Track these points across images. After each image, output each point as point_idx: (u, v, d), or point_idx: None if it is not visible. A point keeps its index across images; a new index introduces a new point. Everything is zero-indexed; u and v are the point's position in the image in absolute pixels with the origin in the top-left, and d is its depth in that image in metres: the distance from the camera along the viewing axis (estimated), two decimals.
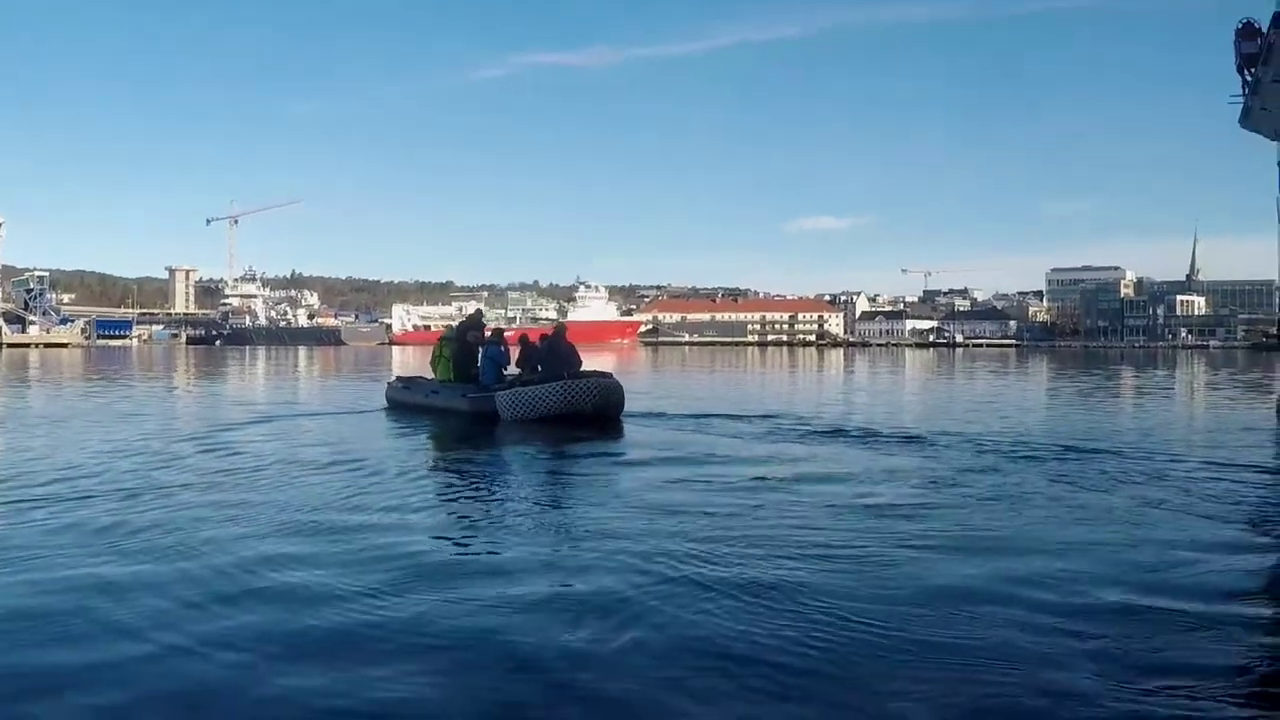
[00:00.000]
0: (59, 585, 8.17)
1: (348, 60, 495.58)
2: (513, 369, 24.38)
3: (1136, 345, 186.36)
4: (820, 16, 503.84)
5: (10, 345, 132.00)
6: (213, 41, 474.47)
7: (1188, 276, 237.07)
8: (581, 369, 23.27)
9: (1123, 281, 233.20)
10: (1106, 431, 21.50)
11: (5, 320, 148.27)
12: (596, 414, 21.60)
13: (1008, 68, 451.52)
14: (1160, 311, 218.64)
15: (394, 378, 28.97)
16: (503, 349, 24.58)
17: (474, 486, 13.99)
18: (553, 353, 23.54)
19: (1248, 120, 27.24)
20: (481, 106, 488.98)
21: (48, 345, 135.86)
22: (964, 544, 9.63)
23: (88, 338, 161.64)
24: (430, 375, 26.64)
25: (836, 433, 20.16)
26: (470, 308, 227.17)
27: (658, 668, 6.38)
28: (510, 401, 22.33)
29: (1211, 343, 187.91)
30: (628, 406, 23.13)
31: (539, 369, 23.39)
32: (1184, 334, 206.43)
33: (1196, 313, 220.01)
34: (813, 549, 9.40)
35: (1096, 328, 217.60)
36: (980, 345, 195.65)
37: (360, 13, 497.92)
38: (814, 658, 6.54)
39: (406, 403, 25.95)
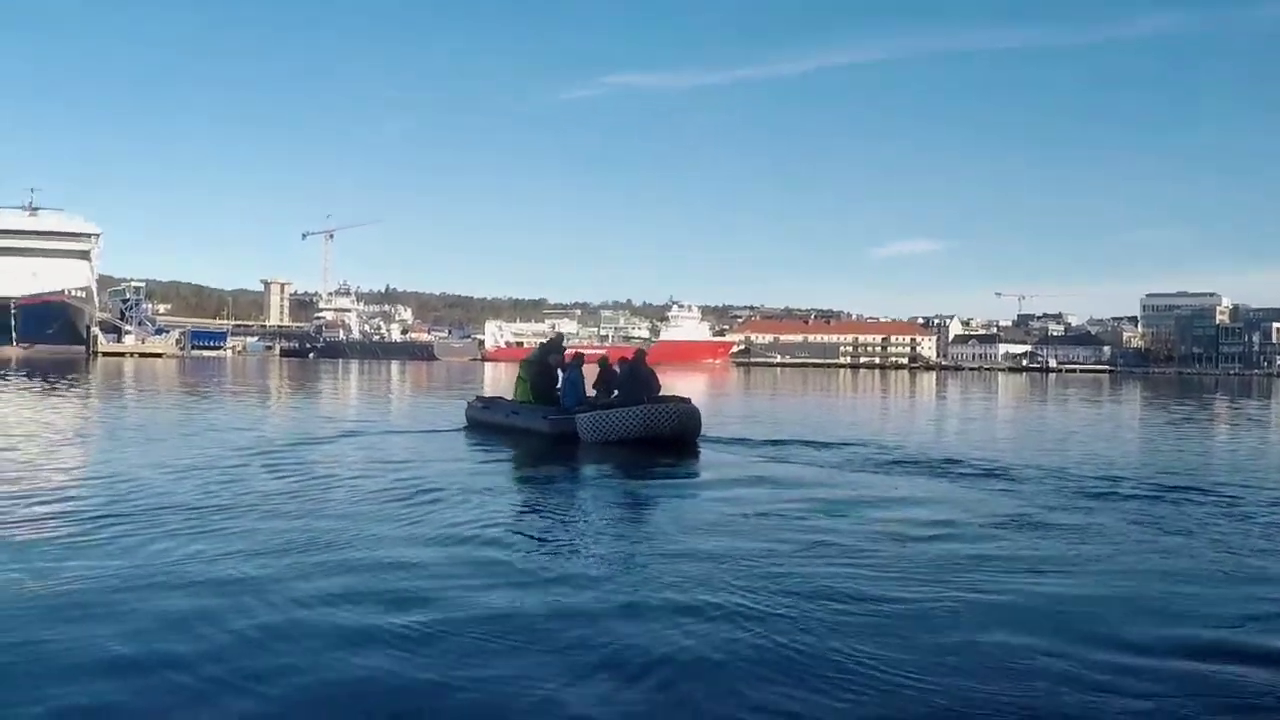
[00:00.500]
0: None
1: (441, 79, 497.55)
2: (589, 392, 24.36)
3: (1232, 373, 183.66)
4: (908, 40, 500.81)
5: (106, 354, 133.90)
6: (312, 58, 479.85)
7: None
8: (660, 394, 23.40)
9: (1219, 308, 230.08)
10: (1197, 466, 21.06)
11: (102, 330, 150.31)
12: (674, 439, 21.83)
13: (1098, 94, 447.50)
14: (1256, 339, 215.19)
15: (474, 398, 29.00)
16: (582, 373, 24.52)
17: (552, 508, 14.33)
18: (633, 377, 23.76)
19: None
20: (573, 126, 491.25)
21: (143, 355, 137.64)
22: (1027, 598, 9.26)
23: (182, 348, 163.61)
24: (510, 397, 26.74)
25: (919, 464, 19.76)
26: (564, 325, 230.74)
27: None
28: (591, 424, 22.34)
29: None
30: (713, 430, 23.17)
31: (615, 393, 23.55)
32: None
33: None
34: (860, 596, 9.13)
35: (1191, 354, 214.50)
36: (1074, 370, 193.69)
37: (454, 30, 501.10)
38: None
39: (486, 422, 26.05)
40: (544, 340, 29.50)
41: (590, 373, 24.57)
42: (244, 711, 6.27)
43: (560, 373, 24.68)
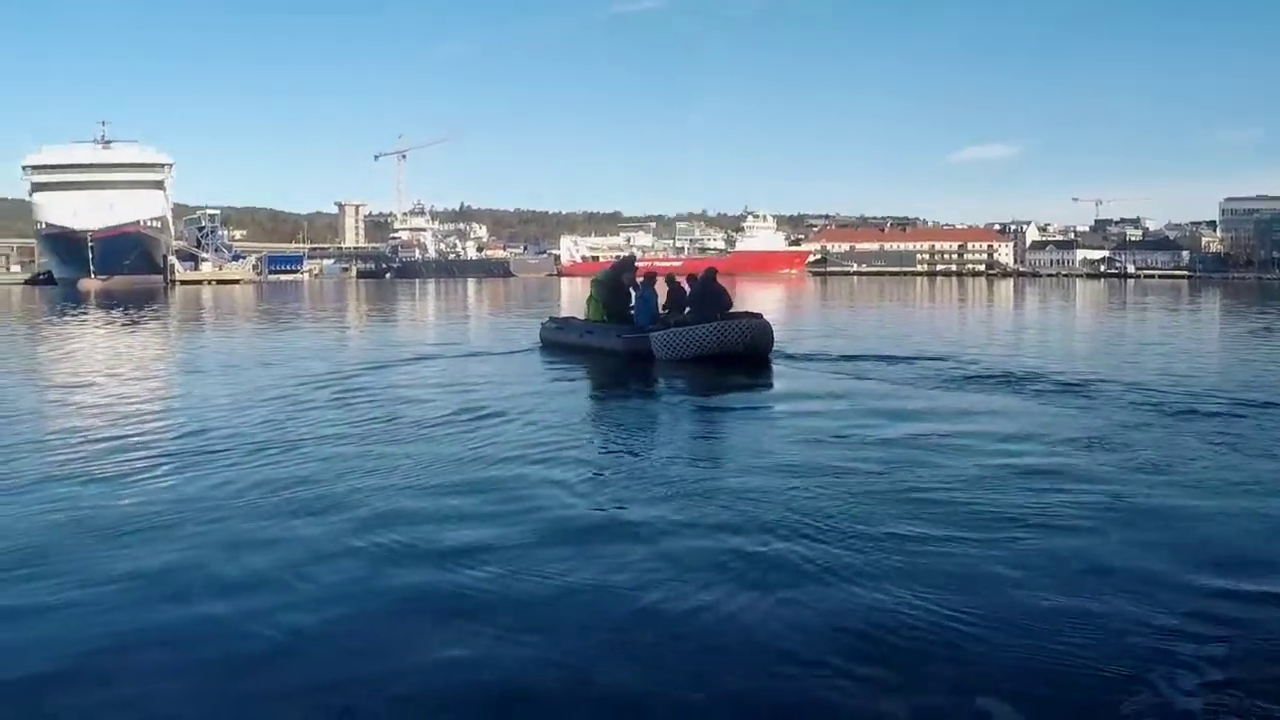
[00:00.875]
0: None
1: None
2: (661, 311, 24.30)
3: None
4: None
5: (184, 282, 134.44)
6: None
7: None
8: (731, 309, 23.45)
9: None
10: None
11: (179, 258, 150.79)
12: (748, 354, 21.93)
13: None
14: None
15: (548, 318, 28.98)
16: (655, 291, 24.47)
17: (627, 427, 14.70)
18: (704, 293, 23.70)
19: None
20: (643, 35, 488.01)
21: (220, 282, 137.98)
22: (1108, 517, 9.15)
23: (259, 273, 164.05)
24: (582, 316, 26.73)
25: (998, 379, 19.56)
26: (639, 238, 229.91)
27: (774, 637, 6.31)
28: (665, 342, 22.37)
29: None
30: (788, 345, 23.57)
31: (687, 310, 23.52)
32: None
33: None
34: (936, 516, 9.09)
35: (1271, 259, 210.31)
36: (1152, 276, 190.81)
37: None
38: (922, 632, 6.42)
39: (560, 342, 26.14)
40: (617, 258, 29.32)
41: (661, 291, 24.54)
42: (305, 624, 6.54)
43: (633, 291, 24.61)
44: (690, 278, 25.01)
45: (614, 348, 23.51)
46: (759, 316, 23.35)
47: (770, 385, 19.72)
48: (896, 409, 15.87)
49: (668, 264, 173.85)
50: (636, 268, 26.06)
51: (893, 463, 11.42)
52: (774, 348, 22.95)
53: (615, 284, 25.31)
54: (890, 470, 11.03)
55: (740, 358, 21.58)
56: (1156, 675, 5.67)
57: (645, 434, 14.22)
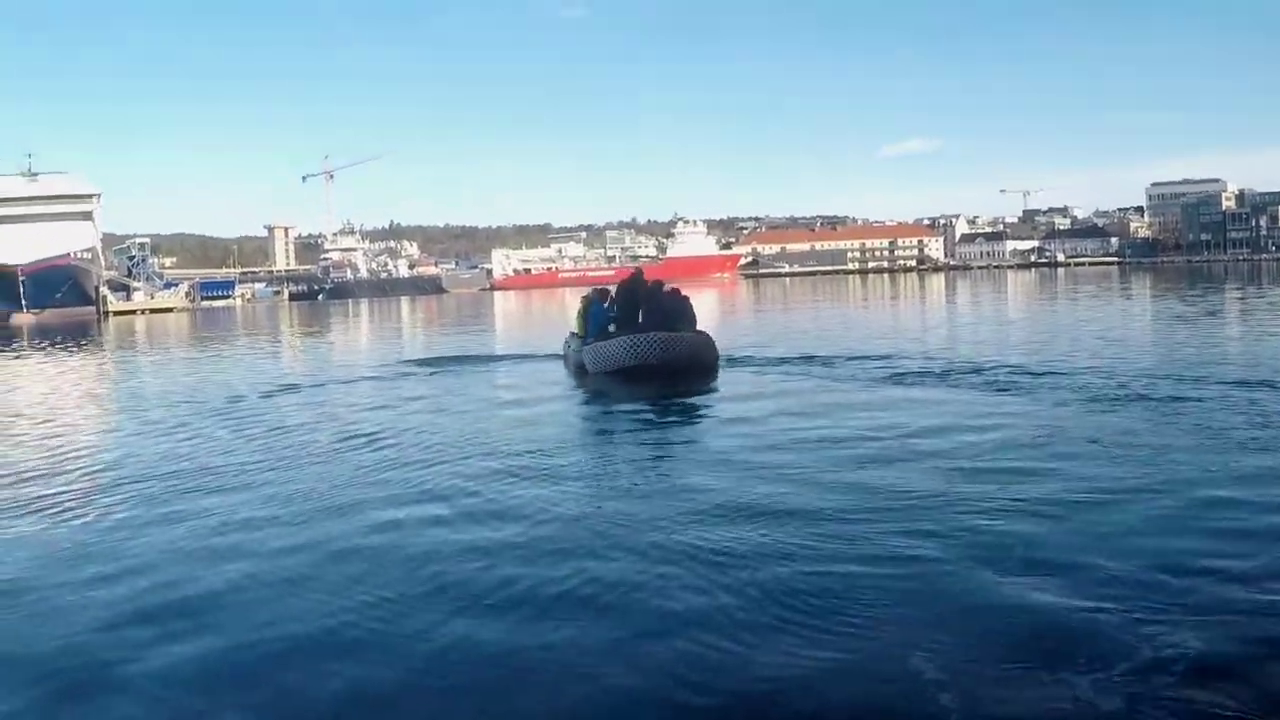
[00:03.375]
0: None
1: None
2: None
3: (1240, 259, 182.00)
4: None
5: (117, 313, 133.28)
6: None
7: None
8: (670, 312, 22.78)
9: (1224, 194, 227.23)
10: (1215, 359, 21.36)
11: (110, 289, 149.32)
12: (664, 367, 21.08)
13: None
14: (1264, 223, 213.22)
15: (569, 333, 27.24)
16: (602, 305, 24.15)
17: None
18: (627, 303, 23.36)
19: None
20: (565, 45, 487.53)
21: (154, 311, 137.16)
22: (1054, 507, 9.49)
23: (192, 301, 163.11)
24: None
25: (925, 374, 20.01)
26: (569, 249, 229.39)
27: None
28: (591, 357, 22.55)
29: None
30: (723, 351, 23.31)
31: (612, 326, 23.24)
32: None
33: None
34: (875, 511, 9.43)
35: (1199, 242, 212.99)
36: (1082, 264, 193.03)
37: None
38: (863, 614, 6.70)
39: (566, 355, 25.85)
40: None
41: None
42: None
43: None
44: (619, 286, 24.47)
45: (572, 361, 24.00)
46: (684, 330, 22.51)
47: (698, 393, 19.34)
48: (834, 404, 16.33)
49: (599, 273, 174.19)
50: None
51: (824, 457, 11.81)
52: (711, 358, 22.38)
53: (588, 299, 25.03)
54: (821, 467, 11.40)
55: (657, 372, 20.92)
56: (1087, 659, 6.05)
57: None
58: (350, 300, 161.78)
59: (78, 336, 66.47)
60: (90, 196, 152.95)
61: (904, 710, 5.60)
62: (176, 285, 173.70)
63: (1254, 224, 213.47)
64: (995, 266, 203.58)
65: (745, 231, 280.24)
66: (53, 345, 54.65)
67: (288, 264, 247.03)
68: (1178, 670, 5.75)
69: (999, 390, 17.53)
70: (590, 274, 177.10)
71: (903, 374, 20.35)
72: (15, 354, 48.68)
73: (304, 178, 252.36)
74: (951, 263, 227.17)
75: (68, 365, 39.61)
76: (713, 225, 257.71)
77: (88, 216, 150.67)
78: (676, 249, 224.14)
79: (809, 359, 24.15)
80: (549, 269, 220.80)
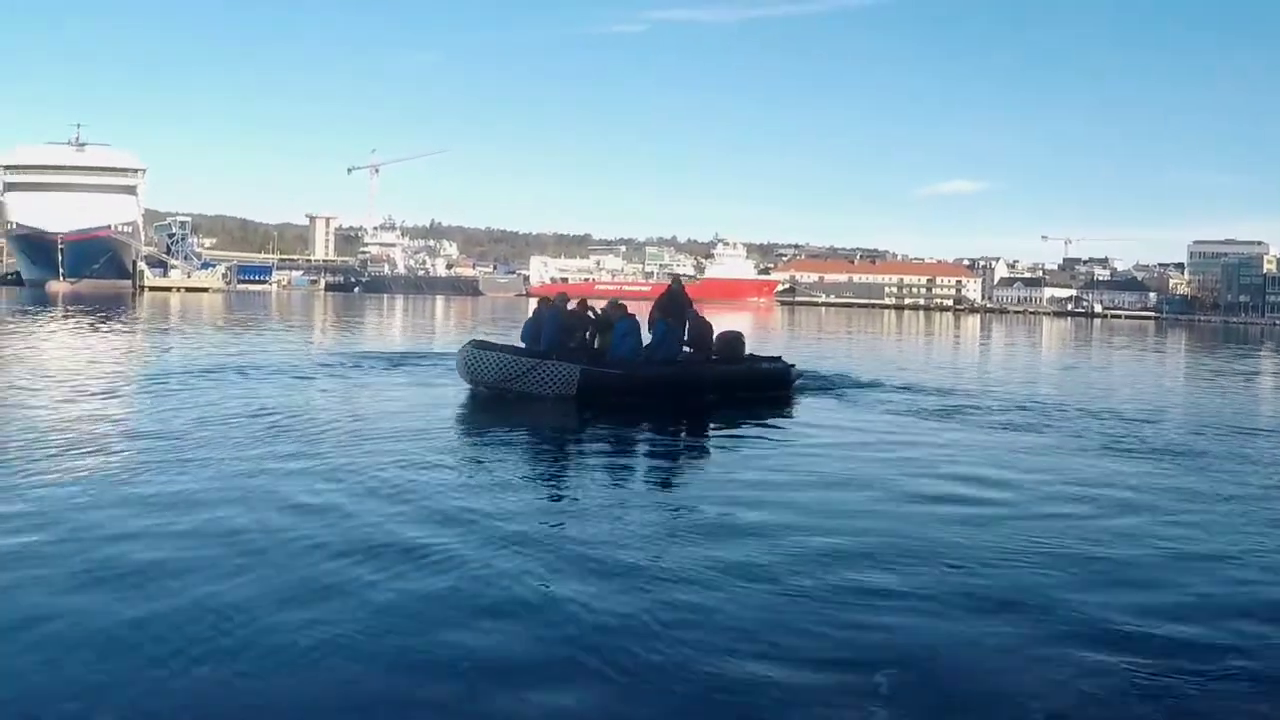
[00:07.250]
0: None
1: (484, 9, 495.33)
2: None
3: (1278, 322, 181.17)
4: None
5: (152, 289, 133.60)
6: None
7: None
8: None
9: (1266, 257, 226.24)
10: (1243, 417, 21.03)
11: (148, 264, 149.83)
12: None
13: (1150, 35, 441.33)
14: None
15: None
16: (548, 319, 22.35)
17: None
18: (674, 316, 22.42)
19: None
20: (618, 62, 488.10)
21: (189, 290, 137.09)
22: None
23: (228, 283, 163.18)
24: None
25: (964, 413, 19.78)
26: (609, 262, 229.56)
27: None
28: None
29: None
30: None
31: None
32: None
33: None
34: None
35: (1237, 303, 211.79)
36: (1119, 316, 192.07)
37: None
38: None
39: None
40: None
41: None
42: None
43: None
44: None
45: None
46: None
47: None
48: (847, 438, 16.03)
49: (635, 288, 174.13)
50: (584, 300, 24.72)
51: (826, 495, 11.53)
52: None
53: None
54: (824, 505, 11.13)
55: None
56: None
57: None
58: (385, 295, 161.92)
59: (108, 308, 66.45)
60: (135, 171, 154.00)
61: None
62: (214, 266, 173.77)
63: None
64: (1031, 312, 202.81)
65: (784, 258, 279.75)
66: (82, 315, 54.69)
67: (326, 254, 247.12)
68: None
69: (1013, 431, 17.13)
70: (626, 288, 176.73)
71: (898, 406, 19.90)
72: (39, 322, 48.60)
73: (349, 170, 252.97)
74: (988, 305, 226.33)
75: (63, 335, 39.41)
76: (752, 249, 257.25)
77: (131, 191, 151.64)
78: (715, 270, 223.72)
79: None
80: (585, 280, 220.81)
